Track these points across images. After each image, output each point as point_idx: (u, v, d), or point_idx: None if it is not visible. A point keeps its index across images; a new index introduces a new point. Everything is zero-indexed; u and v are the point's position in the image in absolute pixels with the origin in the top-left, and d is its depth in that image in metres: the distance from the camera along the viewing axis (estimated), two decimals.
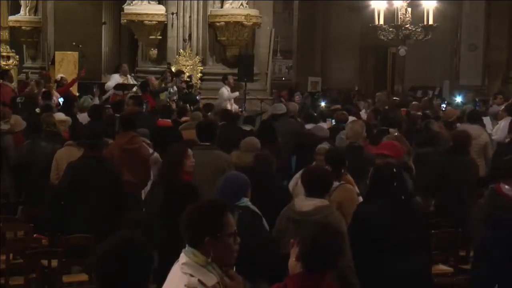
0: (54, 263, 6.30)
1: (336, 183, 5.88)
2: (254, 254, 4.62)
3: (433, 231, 6.60)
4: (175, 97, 13.85)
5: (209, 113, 11.29)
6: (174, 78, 14.16)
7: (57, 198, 7.38)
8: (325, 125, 11.07)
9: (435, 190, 7.98)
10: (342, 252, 3.46)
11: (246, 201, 5.14)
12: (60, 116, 9.33)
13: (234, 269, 4.22)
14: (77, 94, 15.38)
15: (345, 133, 8.13)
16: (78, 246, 6.56)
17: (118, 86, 13.84)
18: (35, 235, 7.00)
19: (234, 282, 3.32)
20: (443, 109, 14.83)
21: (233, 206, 4.98)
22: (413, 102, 15.01)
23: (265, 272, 4.50)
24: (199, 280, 3.18)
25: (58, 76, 15.43)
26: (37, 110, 10.80)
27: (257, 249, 4.68)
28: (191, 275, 3.19)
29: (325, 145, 7.30)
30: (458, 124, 10.81)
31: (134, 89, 14.06)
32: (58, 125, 8.86)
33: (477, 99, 17.73)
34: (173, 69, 14.94)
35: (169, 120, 10.17)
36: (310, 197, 5.05)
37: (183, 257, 3.26)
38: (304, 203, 5.02)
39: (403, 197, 5.28)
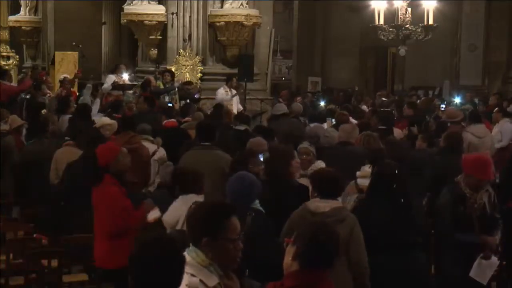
0: (54, 263, 6.30)
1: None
2: (265, 255, 4.61)
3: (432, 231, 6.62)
4: (174, 96, 13.83)
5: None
6: (176, 79, 14.20)
7: (57, 198, 7.39)
8: (325, 125, 11.08)
9: (430, 191, 7.97)
10: (339, 251, 3.45)
11: (257, 203, 5.14)
12: (105, 120, 9.05)
13: (247, 273, 4.22)
14: (77, 93, 15.40)
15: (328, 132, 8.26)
16: (78, 246, 6.56)
17: (116, 87, 13.83)
18: (35, 235, 7.00)
19: (230, 282, 3.32)
20: (442, 109, 14.79)
21: (246, 208, 4.99)
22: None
23: (276, 273, 4.49)
24: (200, 280, 3.19)
25: (61, 76, 15.40)
26: (43, 111, 10.84)
27: (269, 250, 4.67)
28: (193, 275, 3.19)
29: (305, 145, 7.28)
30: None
31: (132, 90, 14.03)
32: (103, 129, 8.66)
33: (475, 99, 17.72)
34: (172, 69, 14.95)
35: (174, 120, 10.17)
36: (324, 199, 5.04)
37: (185, 257, 3.26)
38: (320, 204, 5.01)
39: (402, 200, 5.29)
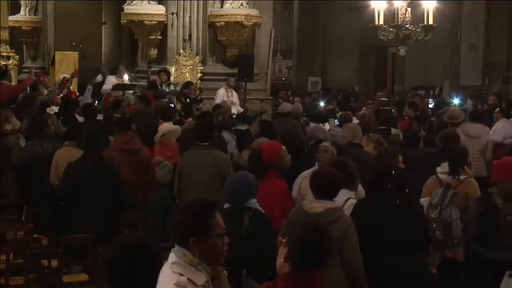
0: (54, 263, 6.30)
1: (462, 177, 6.66)
2: (263, 254, 4.61)
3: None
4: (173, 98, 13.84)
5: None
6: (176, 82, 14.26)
7: (57, 198, 7.39)
8: (327, 125, 11.11)
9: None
10: (331, 253, 3.44)
11: (254, 202, 5.15)
12: (168, 126, 8.87)
13: (245, 272, 4.19)
14: (77, 94, 15.40)
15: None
16: (78, 246, 6.57)
17: (116, 87, 13.84)
18: (35, 235, 7.01)
19: (217, 281, 3.33)
20: (431, 106, 14.76)
21: (244, 208, 5.00)
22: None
23: (274, 273, 4.51)
24: (188, 279, 3.21)
25: (61, 76, 15.37)
26: (49, 110, 10.85)
27: (266, 250, 4.67)
28: (181, 274, 3.21)
29: (327, 144, 7.30)
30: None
31: (132, 90, 14.03)
32: (166, 136, 8.60)
33: (468, 99, 17.74)
34: (172, 69, 14.97)
35: (170, 122, 10.13)
36: (319, 199, 5.05)
37: (172, 257, 3.28)
38: (314, 205, 5.01)
39: (397, 202, 5.28)
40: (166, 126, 8.93)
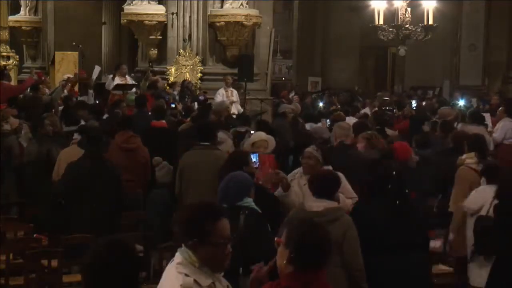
0: (54, 263, 6.30)
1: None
2: (261, 254, 4.60)
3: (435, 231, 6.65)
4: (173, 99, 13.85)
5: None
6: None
7: (56, 197, 7.40)
8: (320, 125, 11.13)
9: (436, 191, 7.95)
10: (331, 248, 3.43)
11: (250, 202, 5.14)
12: (261, 135, 7.72)
13: (241, 270, 4.16)
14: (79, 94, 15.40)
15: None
16: (78, 246, 6.56)
17: (117, 86, 13.84)
18: (35, 235, 7.01)
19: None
20: (414, 107, 14.76)
21: (239, 207, 5.00)
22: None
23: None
24: (194, 280, 3.18)
25: (65, 76, 15.33)
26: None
27: (263, 249, 4.67)
28: (186, 275, 3.18)
29: (311, 149, 7.14)
30: (459, 125, 10.76)
31: (133, 89, 14.04)
32: (256, 145, 7.38)
33: (471, 99, 17.74)
34: (172, 69, 14.98)
35: (163, 121, 10.09)
36: (319, 199, 5.05)
37: (178, 257, 3.26)
38: (314, 204, 5.02)
39: (397, 202, 5.28)
40: (257, 135, 7.90)
